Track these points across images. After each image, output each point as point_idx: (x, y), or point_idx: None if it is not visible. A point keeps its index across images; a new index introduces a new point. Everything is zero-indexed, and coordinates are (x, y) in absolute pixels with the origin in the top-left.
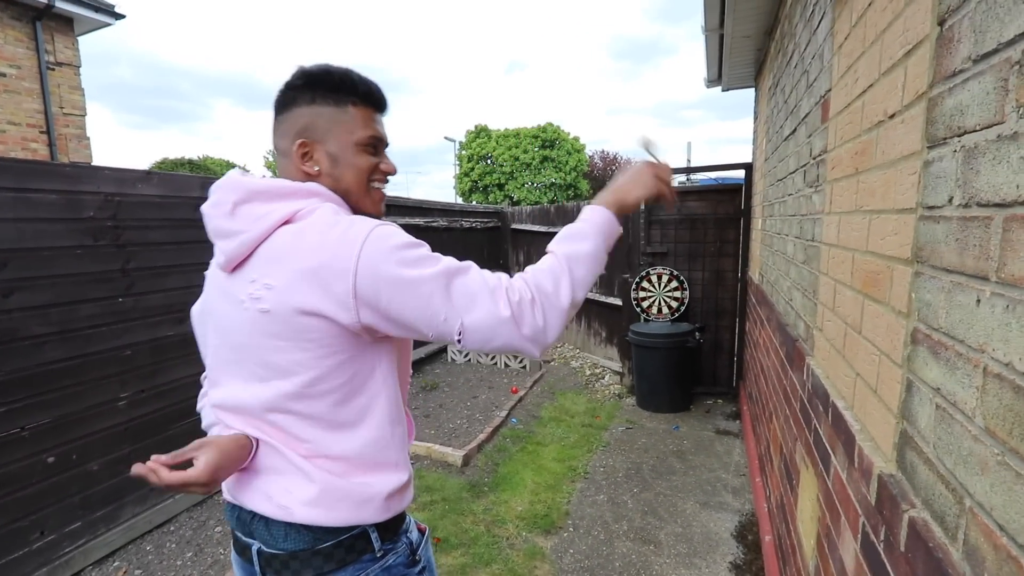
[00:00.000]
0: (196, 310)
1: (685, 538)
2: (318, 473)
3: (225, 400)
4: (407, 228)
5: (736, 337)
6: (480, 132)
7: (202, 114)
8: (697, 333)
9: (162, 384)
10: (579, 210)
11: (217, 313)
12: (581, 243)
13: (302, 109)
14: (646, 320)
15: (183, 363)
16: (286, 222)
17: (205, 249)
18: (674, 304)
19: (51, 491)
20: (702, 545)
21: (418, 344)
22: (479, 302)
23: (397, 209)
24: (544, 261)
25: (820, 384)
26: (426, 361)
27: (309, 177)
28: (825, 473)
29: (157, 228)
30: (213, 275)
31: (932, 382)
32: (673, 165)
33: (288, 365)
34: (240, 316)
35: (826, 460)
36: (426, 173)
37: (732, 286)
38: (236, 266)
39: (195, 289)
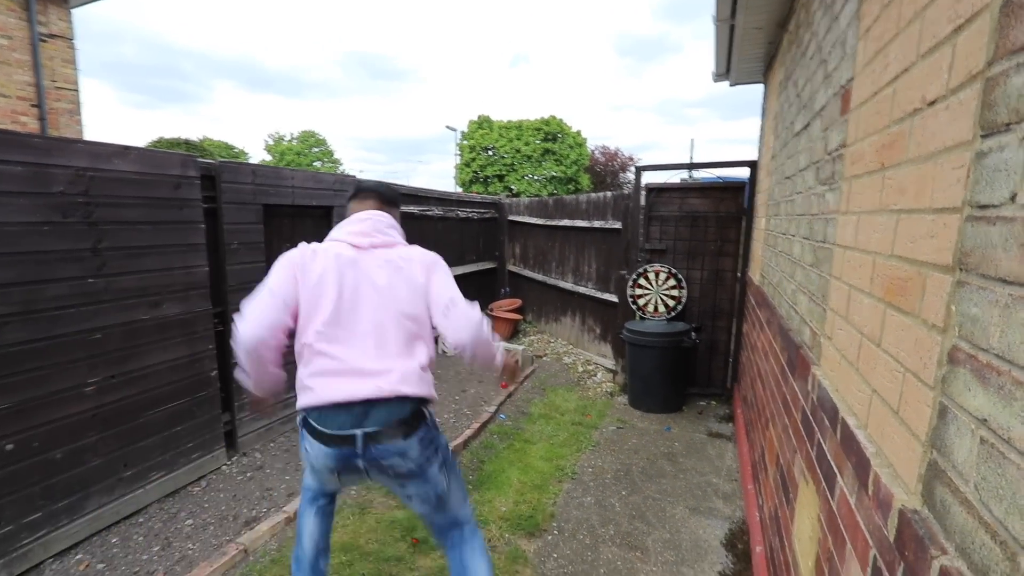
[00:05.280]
0: (318, 270)
1: (673, 545)
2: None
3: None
4: (402, 215)
5: (733, 338)
6: (482, 123)
7: (204, 95)
8: (693, 333)
9: (134, 370)
10: (578, 203)
11: (358, 278)
12: (496, 351)
13: (395, 209)
14: (642, 318)
15: (158, 348)
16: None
17: (186, 230)
18: (671, 303)
19: (9, 479)
20: (690, 553)
21: None
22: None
23: None
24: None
25: (828, 397)
26: None
27: (400, 234)
28: (829, 493)
29: (133, 206)
30: (337, 255)
31: (976, 411)
32: (674, 160)
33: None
34: (391, 273)
35: (831, 479)
36: (427, 162)
37: (731, 286)
38: (372, 247)
39: (175, 272)
